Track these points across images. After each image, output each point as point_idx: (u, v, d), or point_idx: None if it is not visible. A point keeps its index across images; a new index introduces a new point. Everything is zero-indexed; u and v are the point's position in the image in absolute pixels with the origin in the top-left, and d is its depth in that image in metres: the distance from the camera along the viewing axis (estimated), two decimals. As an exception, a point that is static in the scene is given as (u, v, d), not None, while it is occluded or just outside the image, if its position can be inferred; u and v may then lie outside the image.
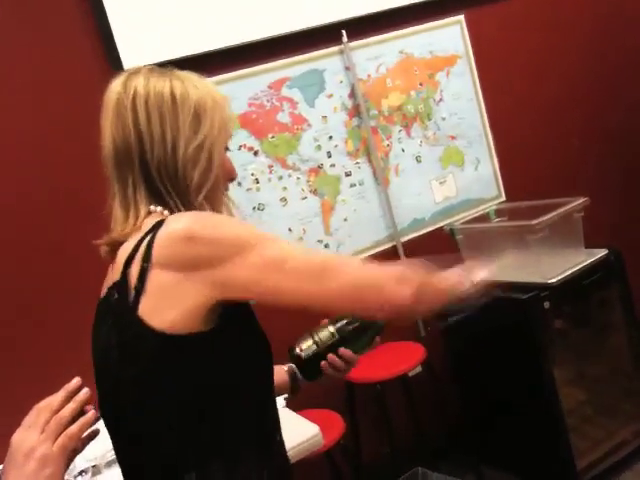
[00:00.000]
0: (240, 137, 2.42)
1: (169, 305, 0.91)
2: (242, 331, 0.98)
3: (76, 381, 0.91)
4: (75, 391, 0.90)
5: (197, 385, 0.93)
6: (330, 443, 2.03)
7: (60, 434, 0.87)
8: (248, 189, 2.45)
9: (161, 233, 0.92)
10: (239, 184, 2.42)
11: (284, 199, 2.52)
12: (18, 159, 2.10)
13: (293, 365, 1.22)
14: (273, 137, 2.50)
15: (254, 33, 2.41)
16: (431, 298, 0.99)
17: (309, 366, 1.15)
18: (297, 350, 1.15)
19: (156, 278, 0.91)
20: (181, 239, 0.90)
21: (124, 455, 1.02)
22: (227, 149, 1.07)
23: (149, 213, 1.00)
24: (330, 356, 1.13)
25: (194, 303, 0.91)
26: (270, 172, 2.49)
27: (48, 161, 2.13)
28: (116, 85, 1.02)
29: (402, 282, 0.94)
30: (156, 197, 1.00)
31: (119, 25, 2.21)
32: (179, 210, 0.99)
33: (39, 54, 2.13)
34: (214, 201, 1.03)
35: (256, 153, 2.47)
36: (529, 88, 3.01)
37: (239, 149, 2.42)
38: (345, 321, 1.15)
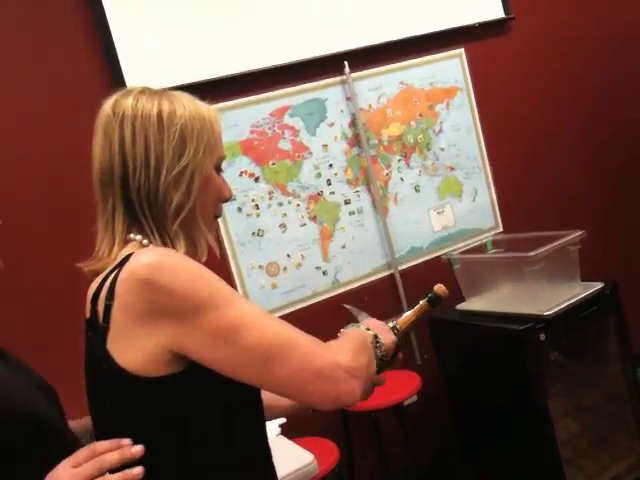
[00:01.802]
0: (241, 163, 2.45)
1: (130, 347, 0.90)
2: (209, 374, 0.91)
3: (128, 441, 0.91)
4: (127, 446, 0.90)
5: (165, 424, 0.92)
6: (324, 471, 2.03)
7: (95, 477, 0.86)
8: (248, 215, 2.48)
9: (124, 271, 0.90)
10: (239, 210, 2.45)
11: (283, 225, 2.54)
12: (20, 173, 2.12)
13: None
14: (274, 164, 2.53)
15: (258, 62, 2.46)
16: (369, 379, 1.00)
17: None
18: None
19: (118, 317, 0.90)
20: (140, 283, 0.88)
21: None
22: (219, 170, 1.06)
23: (127, 242, 0.99)
24: None
25: (152, 350, 0.89)
26: (270, 198, 2.52)
27: (48, 174, 2.15)
28: (106, 106, 1.02)
29: (354, 375, 0.92)
30: (133, 221, 1.00)
31: (124, 52, 2.25)
32: (154, 237, 0.98)
33: (42, 72, 2.17)
34: (191, 229, 1.01)
35: (257, 179, 2.50)
36: (527, 121, 3.06)
37: (240, 175, 2.45)
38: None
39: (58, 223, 2.16)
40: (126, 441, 0.90)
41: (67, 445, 1.05)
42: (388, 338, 1.10)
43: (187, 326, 0.87)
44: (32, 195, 2.14)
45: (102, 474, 0.87)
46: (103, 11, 2.22)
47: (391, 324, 1.17)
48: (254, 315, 0.90)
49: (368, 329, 1.09)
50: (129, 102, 1.00)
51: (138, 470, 0.88)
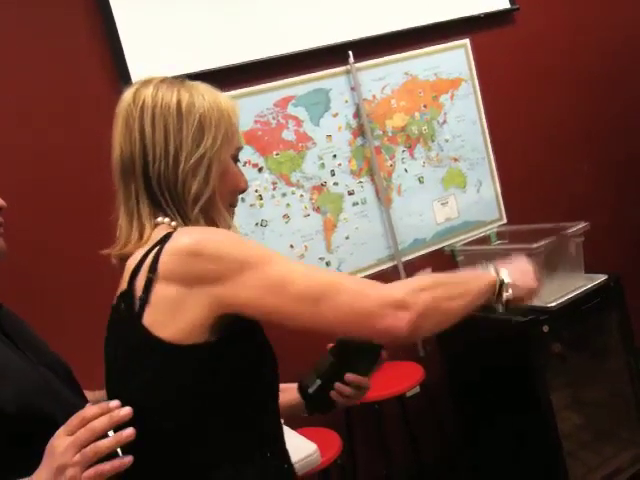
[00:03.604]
0: (245, 153, 2.44)
1: (172, 317, 0.92)
2: (246, 344, 0.99)
3: (116, 403, 0.92)
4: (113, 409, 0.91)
5: (197, 394, 0.95)
6: (327, 461, 2.03)
7: (93, 459, 0.88)
8: (251, 205, 2.47)
9: (168, 246, 0.93)
10: (242, 200, 2.44)
11: (287, 216, 2.53)
12: (28, 169, 2.12)
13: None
14: (278, 154, 2.52)
15: (262, 51, 2.44)
16: (439, 319, 0.98)
17: (318, 401, 1.14)
18: (304, 387, 1.14)
19: (161, 290, 0.93)
20: (187, 254, 0.92)
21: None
22: (237, 160, 1.08)
23: (156, 225, 1.01)
24: (337, 385, 1.12)
25: (197, 316, 0.92)
26: (274, 189, 2.51)
27: (58, 169, 2.15)
28: (127, 95, 1.04)
29: (401, 308, 0.91)
30: (157, 208, 1.02)
31: (129, 40, 2.24)
32: (178, 221, 1.01)
33: (49, 68, 2.16)
34: (211, 215, 1.03)
35: (260, 170, 2.49)
36: (532, 112, 3.04)
37: (244, 165, 2.44)
38: (344, 346, 1.12)
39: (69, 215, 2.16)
40: (114, 403, 0.91)
41: None
42: (525, 281, 1.10)
43: (237, 284, 0.90)
44: (34, 186, 2.13)
45: (97, 439, 0.89)
46: (110, 6, 2.21)
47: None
48: (299, 268, 0.94)
49: (498, 269, 1.07)
50: (149, 91, 1.02)
51: (129, 432, 0.90)
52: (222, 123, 1.02)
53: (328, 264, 2.59)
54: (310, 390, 1.14)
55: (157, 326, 0.93)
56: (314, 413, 1.21)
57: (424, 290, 0.95)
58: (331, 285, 0.93)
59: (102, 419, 0.90)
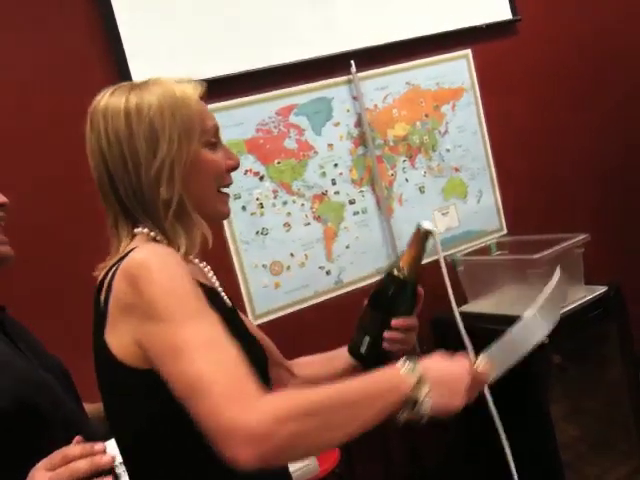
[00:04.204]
0: (246, 162, 2.45)
1: (118, 336, 0.92)
2: None
3: (101, 447, 0.91)
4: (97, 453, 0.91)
5: (147, 414, 0.94)
6: (325, 471, 2.03)
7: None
8: (252, 213, 2.47)
9: (122, 264, 0.92)
10: (243, 208, 2.45)
11: (288, 224, 2.54)
12: (31, 169, 2.13)
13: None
14: (279, 163, 2.53)
15: (264, 60, 2.45)
16: (307, 450, 0.91)
17: (374, 358, 1.13)
18: (355, 349, 1.13)
19: (111, 307, 0.93)
20: (126, 277, 0.90)
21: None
22: (212, 144, 1.03)
23: (134, 235, 1.01)
24: (387, 335, 1.11)
25: (129, 341, 0.91)
26: (275, 197, 2.52)
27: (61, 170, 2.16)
28: (88, 114, 1.02)
29: (252, 441, 0.77)
30: (134, 220, 1.01)
31: (132, 47, 2.25)
32: (156, 232, 1.00)
33: (45, 63, 2.17)
34: (185, 220, 1.01)
35: (262, 178, 2.50)
36: (533, 123, 3.05)
37: (245, 174, 2.45)
38: (379, 295, 1.13)
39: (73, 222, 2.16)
40: (99, 447, 0.90)
41: (78, 428, 1.06)
42: (450, 401, 0.91)
43: (145, 327, 0.88)
44: (36, 189, 2.14)
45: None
46: (112, 12, 2.22)
47: (396, 272, 1.12)
48: (196, 347, 0.84)
49: (420, 378, 0.90)
50: (100, 107, 1.00)
51: (106, 458, 0.89)
52: (177, 116, 0.98)
53: (328, 273, 2.59)
54: (362, 350, 1.13)
55: (112, 343, 0.93)
56: (370, 369, 1.22)
57: (293, 420, 0.80)
58: (202, 385, 0.81)
59: (83, 462, 0.89)
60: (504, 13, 2.98)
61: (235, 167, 1.06)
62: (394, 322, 1.11)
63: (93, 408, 1.25)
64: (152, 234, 0.99)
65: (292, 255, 2.54)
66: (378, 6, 2.67)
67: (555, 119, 3.11)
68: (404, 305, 1.13)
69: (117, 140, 0.97)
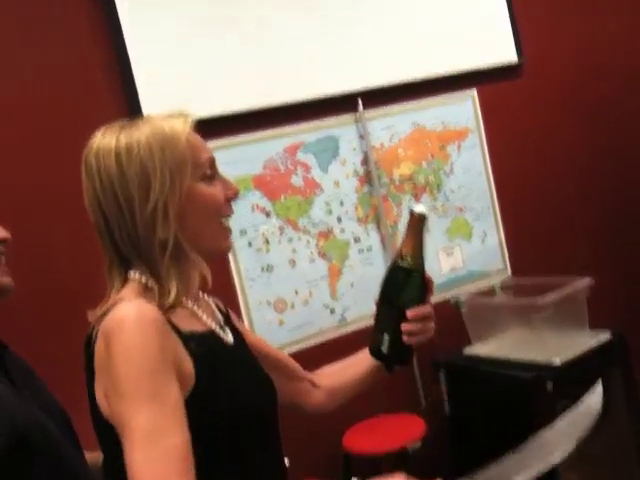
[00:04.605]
0: (253, 198, 2.46)
1: (100, 389, 0.93)
2: None
3: None
4: None
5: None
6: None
7: None
8: (258, 249, 2.47)
9: (102, 323, 0.93)
10: (249, 244, 2.44)
11: (293, 261, 2.53)
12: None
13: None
14: (286, 199, 2.53)
15: (273, 98, 2.47)
16: None
17: (396, 355, 1.12)
18: (375, 349, 1.12)
19: (95, 362, 0.94)
20: (104, 340, 0.91)
21: None
22: (208, 177, 1.01)
23: (126, 280, 1.00)
24: (405, 328, 1.08)
25: (101, 396, 0.93)
26: (281, 234, 2.52)
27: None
28: (83, 157, 1.02)
29: None
30: (127, 264, 1.00)
31: (142, 82, 2.26)
32: (148, 277, 0.98)
33: (59, 96, 2.18)
34: (183, 262, 1.00)
35: (268, 214, 2.50)
36: (538, 165, 3.07)
37: (252, 210, 2.45)
38: (387, 290, 1.11)
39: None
40: None
41: (73, 473, 1.04)
42: None
43: (110, 392, 0.90)
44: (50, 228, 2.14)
45: None
46: (125, 48, 2.24)
47: (400, 262, 1.09)
48: (138, 437, 0.85)
49: None
50: (92, 149, 1.00)
51: None
52: (168, 154, 0.97)
53: (332, 311, 2.58)
54: (384, 349, 1.11)
55: (98, 395, 0.94)
56: (394, 370, 1.20)
57: None
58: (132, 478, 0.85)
59: None
60: (509, 54, 3.02)
61: (234, 197, 1.05)
62: (409, 313, 1.08)
63: (91, 457, 1.23)
64: (143, 280, 0.98)
65: (296, 292, 2.53)
66: (386, 46, 2.71)
67: (559, 160, 3.13)
68: (415, 294, 1.10)
69: (110, 182, 0.97)
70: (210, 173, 1.02)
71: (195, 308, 1.05)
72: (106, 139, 0.99)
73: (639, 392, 2.51)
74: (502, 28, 2.99)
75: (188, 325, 1.00)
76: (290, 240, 2.53)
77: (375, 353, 1.13)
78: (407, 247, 1.10)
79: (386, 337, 1.10)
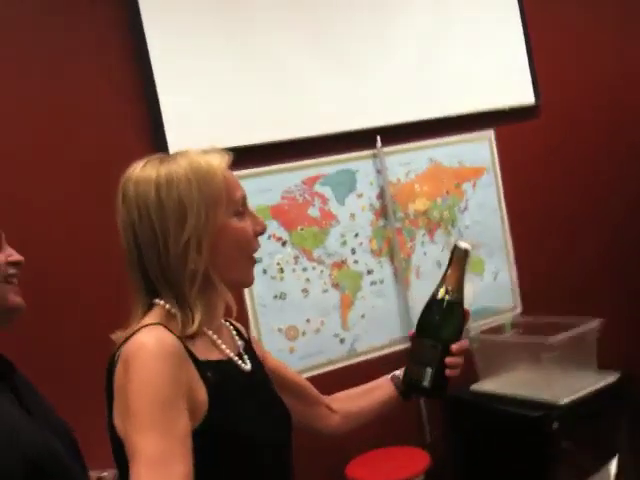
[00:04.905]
0: (270, 227, 2.52)
1: (118, 413, 0.97)
2: None
3: None
4: None
5: None
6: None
7: None
8: (272, 277, 2.53)
9: (124, 348, 0.98)
10: (264, 272, 2.51)
11: (306, 290, 2.59)
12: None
13: (397, 373, 1.25)
14: (302, 229, 2.60)
15: (295, 131, 2.55)
16: None
17: (437, 388, 1.13)
18: (417, 384, 1.12)
19: (115, 387, 0.98)
20: (123, 365, 0.96)
21: None
22: (240, 213, 1.06)
23: (152, 306, 1.04)
24: (449, 362, 1.11)
25: (117, 419, 0.97)
26: (295, 263, 2.58)
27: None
28: (120, 187, 1.06)
29: None
30: (153, 291, 1.04)
31: (169, 116, 2.36)
32: (173, 305, 1.02)
33: (86, 127, 2.28)
34: (209, 293, 1.04)
35: (284, 244, 2.56)
36: (552, 205, 3.11)
37: (268, 238, 2.52)
38: (431, 321, 1.12)
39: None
40: None
41: None
42: None
43: (124, 415, 0.94)
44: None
45: None
46: (152, 74, 2.35)
47: (446, 296, 1.12)
48: (145, 462, 0.89)
49: None
50: (132, 179, 1.04)
51: None
52: (205, 190, 1.01)
53: (342, 341, 2.63)
54: (426, 383, 1.11)
55: (116, 418, 0.98)
56: (411, 398, 1.24)
57: None
58: None
59: None
60: (527, 97, 3.08)
61: (262, 232, 1.09)
62: (455, 347, 1.11)
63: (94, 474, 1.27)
64: (167, 307, 1.03)
65: (308, 321, 2.58)
66: (406, 85, 2.78)
67: (573, 202, 3.16)
68: (458, 327, 1.12)
69: (147, 211, 1.01)
70: (242, 210, 1.07)
71: (215, 337, 1.08)
72: (147, 170, 1.04)
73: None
74: (520, 70, 3.05)
75: (206, 354, 1.04)
76: (304, 269, 2.59)
77: (413, 386, 1.15)
78: (452, 281, 1.13)
79: (429, 371, 1.11)
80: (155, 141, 2.33)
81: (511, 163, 3.02)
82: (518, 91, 3.07)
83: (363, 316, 2.68)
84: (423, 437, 2.68)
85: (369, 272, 2.71)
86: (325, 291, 2.62)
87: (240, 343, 1.16)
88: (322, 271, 2.63)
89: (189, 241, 1.00)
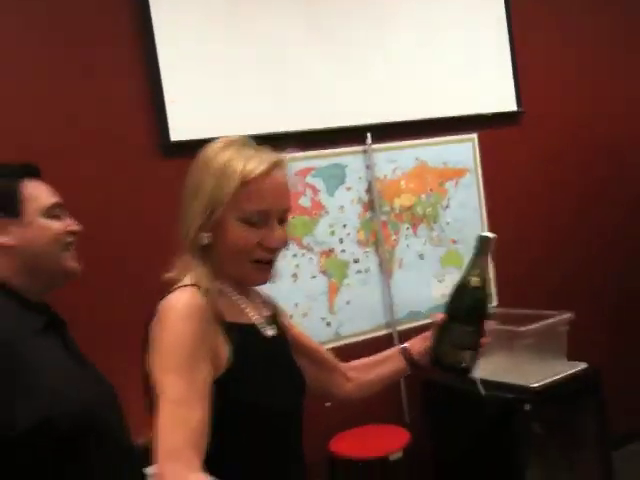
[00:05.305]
0: (264, 214, 2.65)
1: (149, 359, 1.08)
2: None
3: None
4: None
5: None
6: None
7: None
8: (264, 262, 2.65)
9: (161, 303, 1.10)
10: (257, 256, 2.62)
11: (295, 275, 2.72)
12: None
13: (406, 345, 1.35)
14: (293, 218, 2.73)
15: (291, 125, 2.67)
16: None
17: (473, 368, 1.22)
18: (457, 366, 1.21)
19: (150, 335, 1.10)
20: (158, 317, 1.08)
21: None
22: (251, 223, 1.13)
23: (188, 268, 1.16)
24: (484, 341, 1.22)
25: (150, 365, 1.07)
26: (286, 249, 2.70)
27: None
28: None
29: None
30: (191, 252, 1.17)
31: (171, 103, 2.48)
32: (202, 266, 1.15)
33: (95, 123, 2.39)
34: (219, 264, 1.16)
35: (276, 230, 2.69)
36: (529, 207, 3.29)
37: (261, 224, 2.64)
38: (466, 306, 1.20)
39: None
40: None
41: (121, 446, 1.18)
42: None
43: (154, 363, 1.06)
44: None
45: None
46: (157, 56, 2.47)
47: (476, 282, 1.20)
48: (169, 399, 1.01)
49: None
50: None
51: None
52: (215, 186, 1.12)
53: (329, 324, 2.76)
54: (465, 364, 1.20)
55: (149, 361, 1.08)
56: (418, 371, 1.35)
57: None
58: (158, 433, 0.98)
59: None
60: (510, 104, 3.26)
61: (270, 247, 1.16)
62: (488, 327, 1.22)
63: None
64: (199, 269, 1.15)
65: (296, 305, 2.71)
66: (398, 87, 2.94)
67: (549, 204, 3.35)
68: (487, 310, 1.22)
69: (186, 179, 1.18)
70: (256, 220, 1.14)
71: (241, 302, 1.20)
72: (208, 146, 1.18)
73: (608, 423, 2.67)
74: (505, 78, 3.24)
75: (233, 316, 1.16)
76: (294, 256, 2.72)
77: (451, 368, 1.22)
78: (481, 268, 1.22)
79: (469, 353, 1.20)
80: (158, 123, 2.44)
81: (492, 165, 3.19)
82: (502, 98, 3.25)
83: (348, 302, 2.82)
84: (402, 417, 2.82)
85: (355, 261, 2.86)
86: (313, 277, 2.76)
87: (267, 311, 1.27)
88: (311, 258, 2.76)
89: (194, 219, 1.14)
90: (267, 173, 1.14)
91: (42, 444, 1.16)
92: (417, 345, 1.36)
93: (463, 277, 1.24)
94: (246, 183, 1.12)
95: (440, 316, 1.25)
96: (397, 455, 2.57)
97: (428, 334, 1.32)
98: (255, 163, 1.14)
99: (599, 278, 3.45)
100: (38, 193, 1.34)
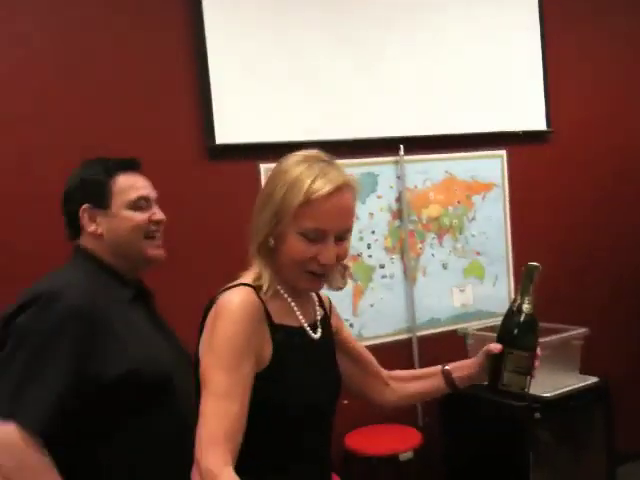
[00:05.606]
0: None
1: (201, 347, 1.20)
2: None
3: None
4: None
5: None
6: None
7: None
8: (295, 262, 2.79)
9: (218, 298, 1.20)
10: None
11: (323, 277, 2.85)
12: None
13: (448, 368, 1.44)
14: (324, 222, 2.86)
15: (328, 134, 2.78)
16: None
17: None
18: (521, 391, 1.31)
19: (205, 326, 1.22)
20: (214, 313, 1.18)
21: None
22: (309, 239, 1.18)
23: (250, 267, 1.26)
24: (537, 365, 1.33)
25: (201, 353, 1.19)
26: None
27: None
28: None
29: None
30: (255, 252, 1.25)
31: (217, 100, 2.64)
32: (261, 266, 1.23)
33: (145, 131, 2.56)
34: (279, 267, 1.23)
35: (308, 233, 2.82)
36: (554, 225, 3.38)
37: (294, 227, 2.78)
38: (526, 334, 1.30)
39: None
40: None
41: (188, 412, 1.28)
42: None
43: (205, 349, 1.17)
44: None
45: None
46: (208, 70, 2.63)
47: (529, 310, 1.31)
48: (214, 392, 1.11)
49: None
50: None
51: None
52: (282, 199, 1.18)
53: (351, 326, 2.89)
54: (527, 389, 1.32)
55: (200, 349, 1.20)
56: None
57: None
58: (202, 420, 1.10)
59: None
60: (539, 123, 3.36)
61: (321, 263, 1.19)
62: (539, 353, 1.33)
63: None
64: (257, 269, 1.23)
65: (323, 304, 2.84)
66: (431, 102, 3.07)
67: (574, 224, 3.43)
68: (536, 333, 1.32)
69: (262, 188, 1.27)
70: (313, 237, 1.18)
71: (293, 304, 1.26)
72: (287, 159, 1.24)
73: (616, 438, 2.76)
74: (536, 97, 3.34)
75: (282, 318, 1.23)
76: (324, 258, 2.85)
77: (512, 393, 1.32)
78: (533, 297, 1.33)
79: (528, 379, 1.31)
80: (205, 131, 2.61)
81: (519, 182, 3.29)
82: (532, 116, 3.35)
83: (372, 305, 2.95)
84: (416, 419, 2.94)
85: (381, 267, 2.99)
86: (340, 279, 2.89)
87: (319, 313, 1.34)
88: (339, 261, 2.89)
89: (264, 225, 1.21)
90: (331, 194, 1.17)
91: (125, 392, 1.34)
92: (459, 371, 1.44)
93: (516, 305, 1.34)
94: (309, 201, 1.16)
95: (498, 347, 1.33)
96: (407, 455, 2.69)
97: (469, 362, 1.43)
98: (321, 183, 1.17)
99: (620, 293, 3.53)
100: (127, 187, 1.49)
